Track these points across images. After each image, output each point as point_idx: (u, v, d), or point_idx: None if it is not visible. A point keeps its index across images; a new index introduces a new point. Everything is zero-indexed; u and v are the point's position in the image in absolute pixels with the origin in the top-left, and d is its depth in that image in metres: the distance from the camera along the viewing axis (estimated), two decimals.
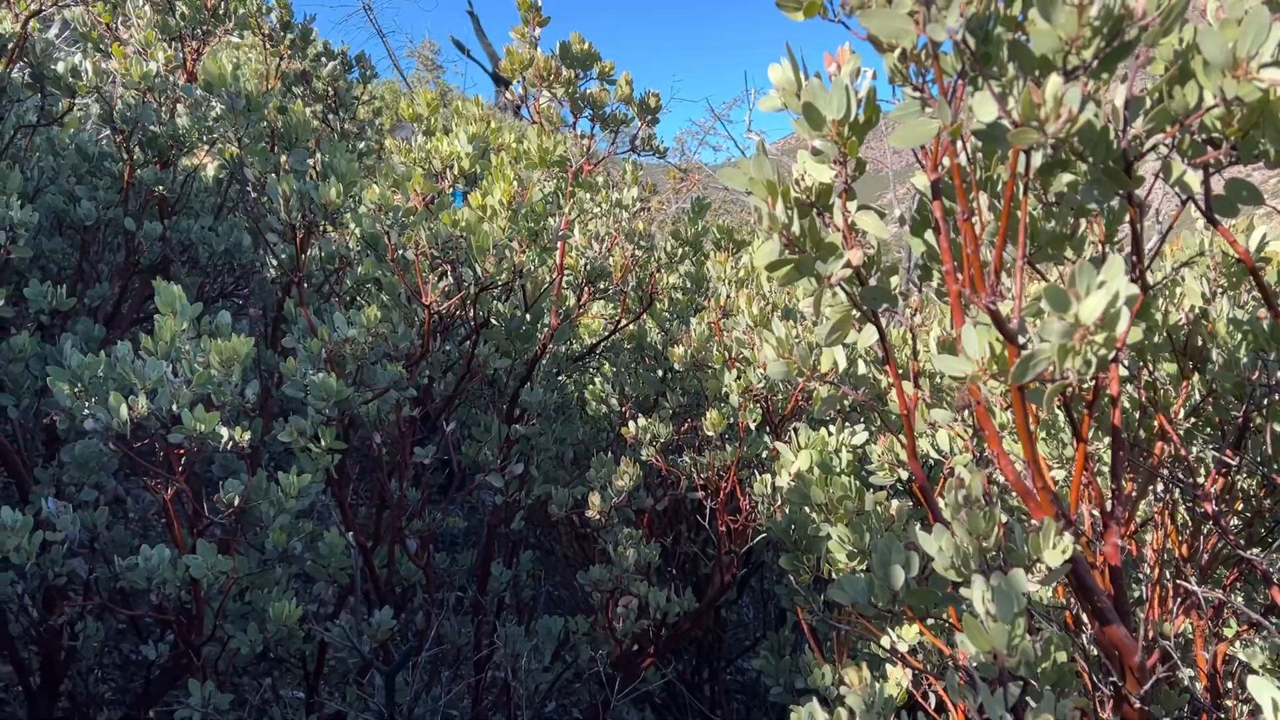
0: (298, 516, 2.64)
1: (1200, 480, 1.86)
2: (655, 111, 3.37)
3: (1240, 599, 2.01)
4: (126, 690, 3.60)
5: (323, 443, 2.71)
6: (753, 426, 3.15)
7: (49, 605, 2.80)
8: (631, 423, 3.17)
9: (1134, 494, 1.90)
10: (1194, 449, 1.87)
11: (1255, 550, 1.75)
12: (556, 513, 3.20)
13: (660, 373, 3.70)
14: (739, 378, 3.12)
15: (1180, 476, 1.86)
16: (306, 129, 2.71)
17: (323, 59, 4.09)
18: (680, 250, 3.97)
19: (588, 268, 3.14)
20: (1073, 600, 1.87)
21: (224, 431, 2.26)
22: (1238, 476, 1.88)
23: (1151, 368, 1.94)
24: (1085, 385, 1.39)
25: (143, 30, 3.25)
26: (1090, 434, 1.50)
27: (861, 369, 1.83)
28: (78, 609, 2.96)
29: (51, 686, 2.97)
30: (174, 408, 2.18)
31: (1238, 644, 1.86)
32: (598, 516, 3.04)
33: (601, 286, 3.31)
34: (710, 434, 3.14)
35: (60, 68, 3.08)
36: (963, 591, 1.39)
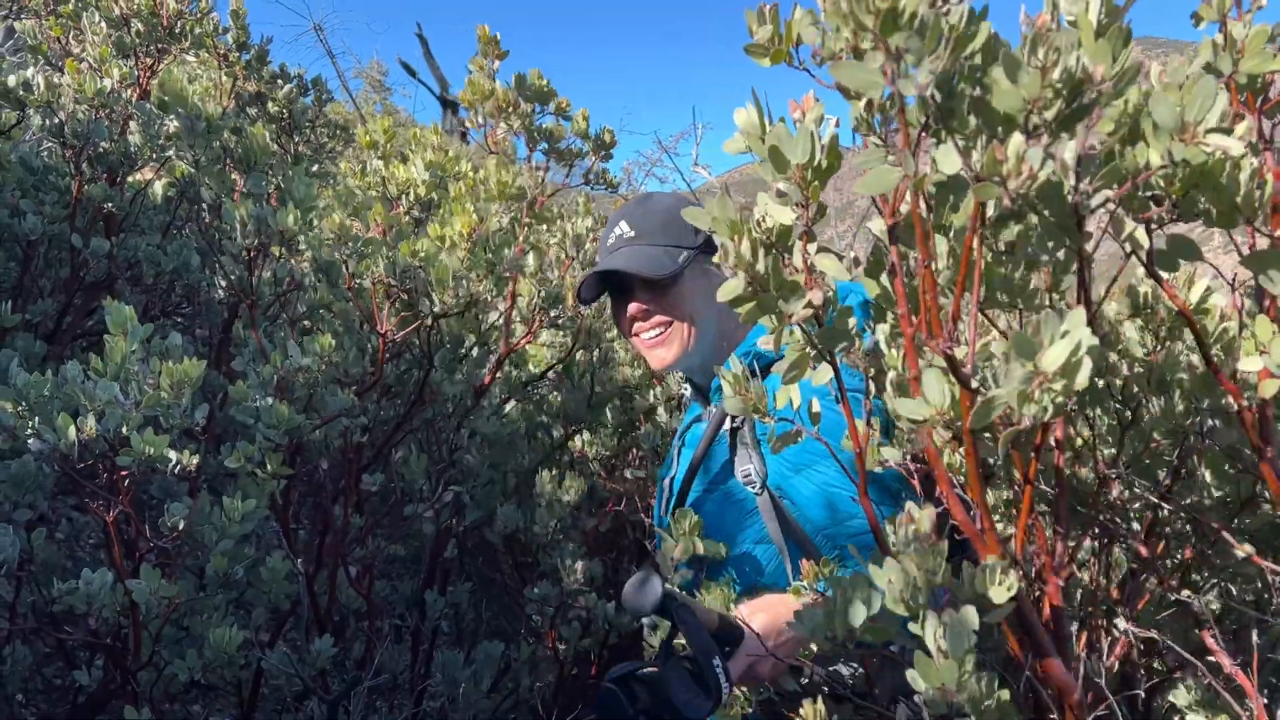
0: (240, 541, 2.60)
1: (1136, 523, 1.91)
2: (610, 147, 3.39)
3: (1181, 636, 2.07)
4: (53, 716, 3.50)
5: (269, 468, 2.68)
6: None
7: None
8: (577, 437, 3.14)
9: (1076, 535, 1.95)
10: (1131, 492, 1.93)
11: (1186, 592, 1.80)
12: (495, 536, 3.17)
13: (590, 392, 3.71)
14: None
15: (1118, 520, 1.92)
16: (266, 152, 2.70)
17: (279, 80, 4.07)
18: None
19: (542, 294, 3.13)
20: (1011, 635, 1.91)
21: (172, 455, 2.23)
22: (1170, 520, 1.94)
23: (1091, 414, 2.00)
24: (1033, 430, 1.43)
25: (97, 46, 3.21)
26: (1034, 476, 1.55)
27: (816, 406, 1.86)
28: (4, 632, 2.88)
29: None
30: (123, 430, 2.15)
31: (1169, 684, 1.92)
32: (544, 532, 3.02)
33: (553, 315, 3.31)
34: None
35: (11, 80, 3.03)
36: (910, 627, 1.42)
